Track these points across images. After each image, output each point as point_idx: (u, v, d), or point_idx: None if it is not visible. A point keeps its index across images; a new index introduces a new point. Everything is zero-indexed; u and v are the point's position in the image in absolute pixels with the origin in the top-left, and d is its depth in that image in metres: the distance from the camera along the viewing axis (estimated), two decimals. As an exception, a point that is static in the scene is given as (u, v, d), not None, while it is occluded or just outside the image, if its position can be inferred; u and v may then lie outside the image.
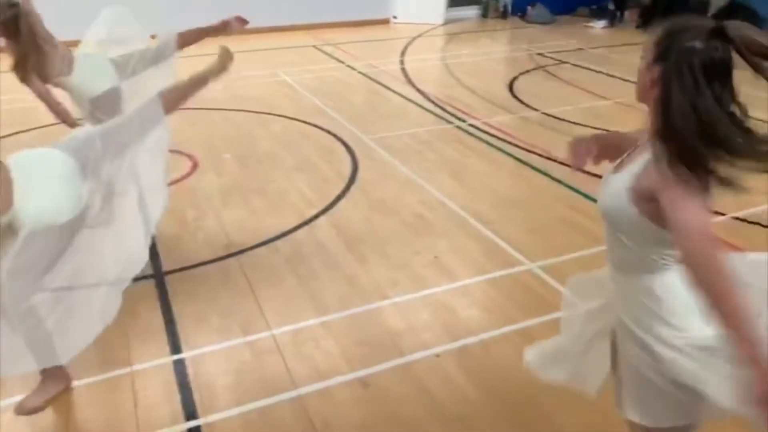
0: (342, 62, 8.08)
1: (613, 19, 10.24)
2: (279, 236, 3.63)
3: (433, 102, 6.27)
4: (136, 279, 3.10)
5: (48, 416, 2.34)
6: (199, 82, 2.72)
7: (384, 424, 2.28)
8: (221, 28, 3.70)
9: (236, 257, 3.41)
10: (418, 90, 6.70)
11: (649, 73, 1.28)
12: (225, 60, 2.81)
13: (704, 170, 1.19)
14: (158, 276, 3.20)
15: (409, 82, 7.04)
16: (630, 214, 1.32)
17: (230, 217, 3.87)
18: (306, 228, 3.75)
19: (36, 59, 2.84)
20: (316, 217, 3.89)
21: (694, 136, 1.19)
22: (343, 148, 5.05)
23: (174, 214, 3.90)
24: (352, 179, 4.45)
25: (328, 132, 5.44)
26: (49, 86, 3.15)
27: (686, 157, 1.20)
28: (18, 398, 2.36)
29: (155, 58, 3.30)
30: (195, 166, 4.68)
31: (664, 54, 1.25)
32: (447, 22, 10.75)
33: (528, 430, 2.24)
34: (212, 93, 6.63)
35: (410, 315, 2.93)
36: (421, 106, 6.18)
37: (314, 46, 9.13)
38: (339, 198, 4.15)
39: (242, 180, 4.47)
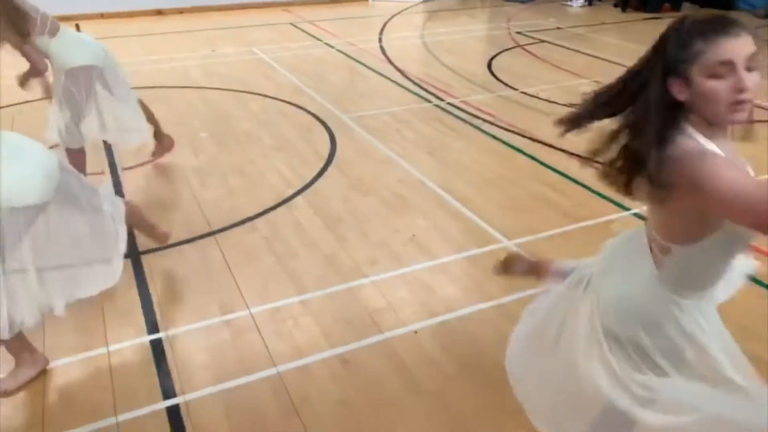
0: (320, 40, 7.98)
1: (592, -2, 10.25)
2: (257, 216, 3.61)
3: (411, 80, 6.24)
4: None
5: (24, 397, 2.32)
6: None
7: (363, 400, 2.31)
8: None
9: (213, 237, 3.39)
10: (397, 68, 6.66)
11: None
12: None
13: None
14: (134, 255, 3.16)
15: (388, 60, 6.98)
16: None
17: (207, 197, 3.84)
18: (284, 207, 3.73)
19: (8, 14, 2.94)
20: (294, 196, 3.87)
21: None
22: (321, 127, 5.02)
23: (150, 193, 3.86)
24: (330, 158, 4.43)
25: (307, 111, 5.39)
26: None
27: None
28: (-8, 380, 2.34)
29: None
30: (170, 144, 4.60)
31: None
32: (425, 0, 10.67)
33: (504, 403, 2.27)
34: (188, 71, 6.55)
35: (389, 293, 2.94)
36: (399, 84, 6.15)
37: (291, 24, 9.00)
38: (317, 177, 4.13)
39: (219, 159, 4.42)
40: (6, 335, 2.23)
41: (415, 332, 2.66)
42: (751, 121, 1.29)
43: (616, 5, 9.79)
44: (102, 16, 8.74)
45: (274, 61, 6.99)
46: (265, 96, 5.78)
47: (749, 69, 1.21)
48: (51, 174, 2.22)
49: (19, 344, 2.33)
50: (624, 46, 7.14)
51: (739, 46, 1.20)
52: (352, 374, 2.43)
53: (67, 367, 2.48)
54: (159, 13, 9.24)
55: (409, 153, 4.50)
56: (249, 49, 7.51)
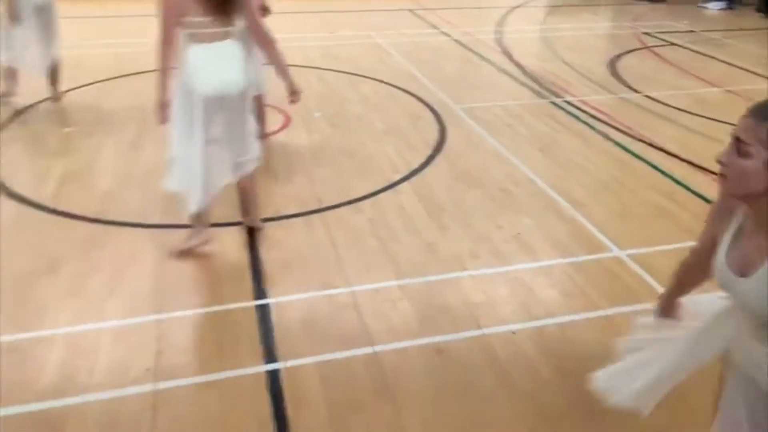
0: (437, 28, 7.96)
1: (732, 2, 9.51)
2: (363, 197, 3.68)
3: (528, 75, 6.09)
4: (228, 224, 3.27)
5: (136, 343, 2.51)
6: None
7: (455, 390, 2.30)
8: None
9: (321, 213, 3.49)
10: (514, 62, 6.52)
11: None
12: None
13: None
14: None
15: (505, 52, 6.85)
16: None
17: (319, 175, 3.95)
18: (390, 192, 3.78)
19: None
20: (400, 181, 3.90)
21: None
22: (431, 115, 5.02)
23: (266, 166, 4.03)
24: (438, 147, 4.42)
25: (418, 98, 5.40)
26: None
27: None
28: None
29: None
30: (287, 122, 4.79)
31: None
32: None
33: (600, 419, 2.19)
34: (307, 51, 6.73)
35: (489, 288, 2.91)
36: (515, 78, 6.02)
37: (410, 11, 9.03)
38: (424, 165, 4.14)
39: (332, 139, 4.54)
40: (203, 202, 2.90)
41: (514, 332, 2.61)
42: None
43: (758, 10, 9.03)
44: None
45: (391, 46, 7.05)
46: (379, 80, 5.85)
47: None
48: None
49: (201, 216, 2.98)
50: (765, 55, 6.58)
51: None
52: (446, 363, 2.43)
53: (179, 320, 2.65)
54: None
55: (520, 148, 4.41)
56: (367, 33, 7.62)
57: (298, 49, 6.77)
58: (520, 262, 3.12)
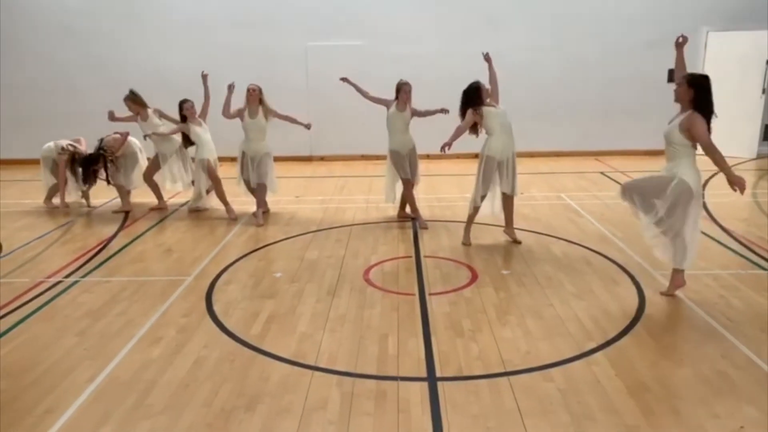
0: (631, 191, 7.72)
1: None
2: (553, 364, 3.46)
3: (739, 242, 5.54)
4: (411, 379, 3.25)
5: None
6: None
7: None
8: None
9: (507, 377, 3.32)
10: (722, 227, 6.01)
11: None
12: None
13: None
14: (431, 380, 3.28)
15: (711, 217, 6.37)
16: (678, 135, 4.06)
17: (504, 335, 3.84)
18: (583, 361, 3.51)
19: None
20: (594, 350, 3.62)
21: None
22: (629, 281, 4.72)
23: (451, 322, 4.03)
24: (637, 316, 4.09)
25: (613, 261, 5.15)
26: None
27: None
28: None
29: None
30: (474, 277, 4.82)
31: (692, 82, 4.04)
32: (760, 156, 9.66)
33: None
34: (494, 209, 6.88)
35: (707, 492, 2.45)
36: (724, 245, 5.51)
37: (602, 173, 8.96)
38: (622, 334, 3.82)
39: (519, 299, 4.44)
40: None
41: None
42: None
43: None
44: (428, 156, 9.93)
45: (581, 207, 6.96)
46: (570, 242, 5.72)
47: None
48: None
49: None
50: None
51: None
52: None
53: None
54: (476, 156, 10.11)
55: (737, 324, 3.90)
56: (557, 194, 7.65)
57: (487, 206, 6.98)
58: (747, 463, 2.62)
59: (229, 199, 6.83)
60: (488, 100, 5.53)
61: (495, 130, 5.47)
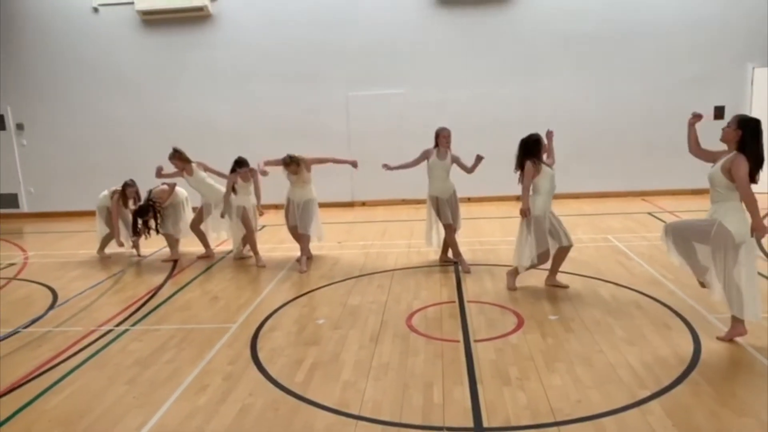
0: (681, 231, 7.50)
1: None
2: (605, 413, 3.33)
3: (801, 284, 5.28)
4: (458, 429, 3.17)
5: None
6: None
7: None
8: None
9: (558, 427, 3.21)
10: (780, 268, 5.75)
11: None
12: None
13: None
14: (478, 430, 3.19)
15: (765, 256, 6.11)
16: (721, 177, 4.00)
17: (553, 382, 3.72)
18: (636, 410, 3.36)
19: None
20: (648, 399, 3.47)
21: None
22: (682, 325, 4.54)
23: (497, 369, 3.94)
24: (693, 362, 3.91)
25: (665, 305, 4.98)
26: None
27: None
28: None
29: None
30: (520, 323, 4.72)
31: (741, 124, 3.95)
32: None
33: None
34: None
35: None
36: (784, 287, 5.25)
37: (649, 213, 8.76)
38: (677, 382, 3.66)
39: (567, 344, 4.32)
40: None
41: None
42: None
43: None
44: (469, 199, 9.92)
45: (630, 249, 6.79)
46: (619, 285, 5.57)
47: None
48: None
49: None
50: None
51: None
52: None
53: None
54: (518, 199, 10.08)
55: (803, 373, 3.68)
56: (603, 236, 7.49)
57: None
58: None
59: (277, 245, 6.94)
60: (545, 157, 5.46)
61: (543, 190, 5.39)
